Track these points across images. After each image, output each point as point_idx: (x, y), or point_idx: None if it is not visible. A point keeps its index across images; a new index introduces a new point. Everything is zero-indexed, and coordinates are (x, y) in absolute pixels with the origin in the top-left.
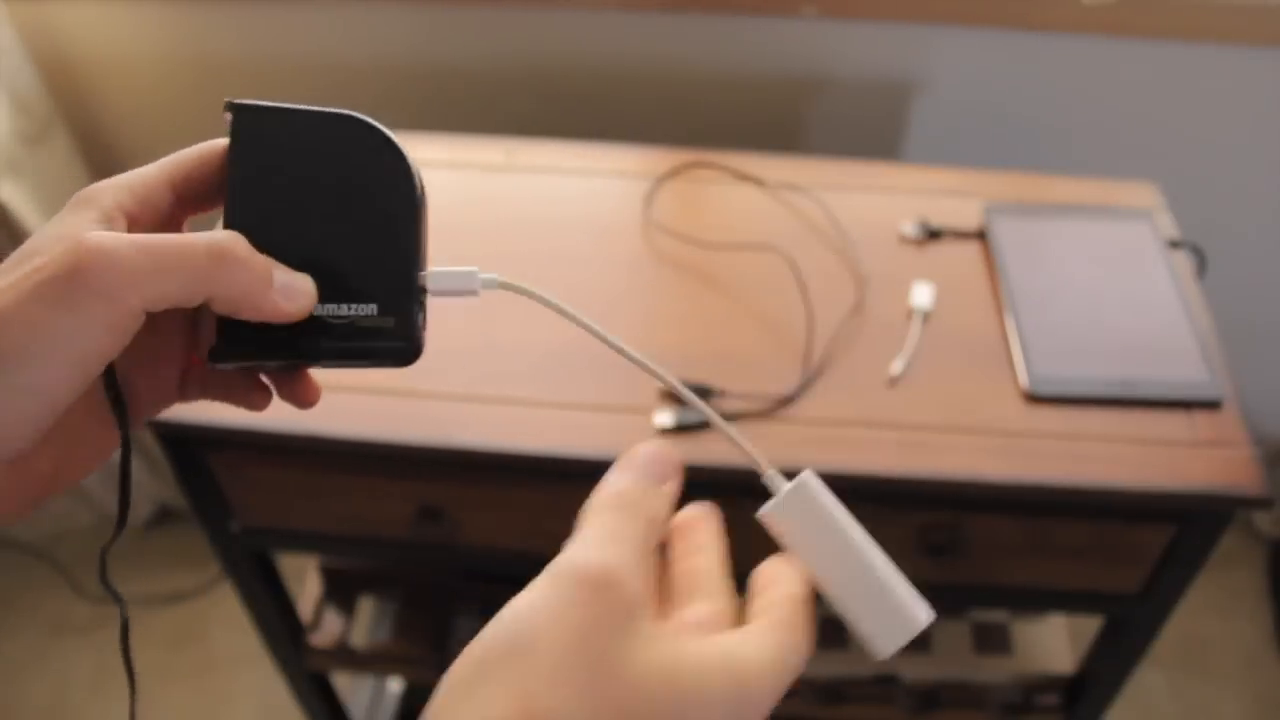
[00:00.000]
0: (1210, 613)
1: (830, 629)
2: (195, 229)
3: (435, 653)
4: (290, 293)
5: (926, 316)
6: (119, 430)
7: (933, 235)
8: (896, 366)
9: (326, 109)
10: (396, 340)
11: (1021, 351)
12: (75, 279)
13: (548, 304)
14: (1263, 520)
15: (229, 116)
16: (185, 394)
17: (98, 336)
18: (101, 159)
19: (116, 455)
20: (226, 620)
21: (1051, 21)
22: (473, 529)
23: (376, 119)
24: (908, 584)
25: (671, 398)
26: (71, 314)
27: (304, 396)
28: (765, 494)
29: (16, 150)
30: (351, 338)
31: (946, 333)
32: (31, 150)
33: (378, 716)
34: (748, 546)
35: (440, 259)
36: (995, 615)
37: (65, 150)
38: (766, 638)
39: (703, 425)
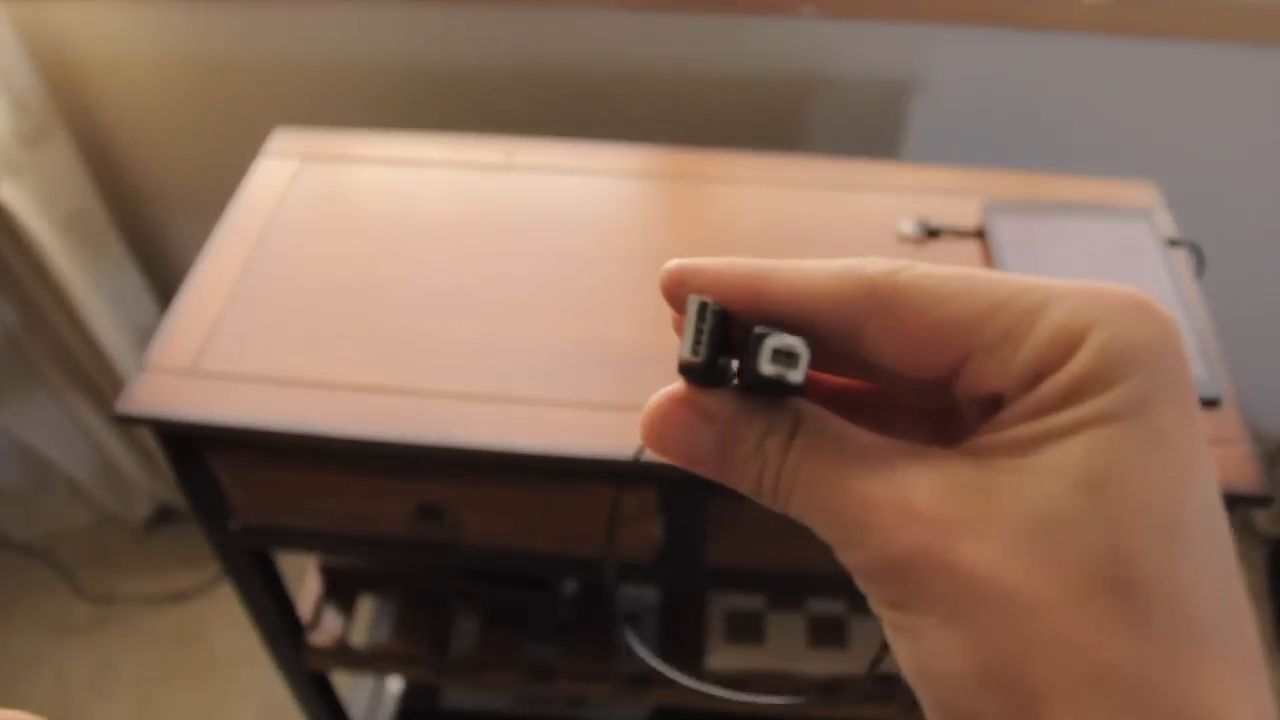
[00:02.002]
0: None
1: (829, 629)
2: None
3: (435, 653)
4: None
5: None
6: None
7: (932, 234)
8: None
9: None
10: None
11: None
12: None
13: None
14: (1261, 519)
15: None
16: None
17: None
18: (101, 159)
19: (121, 456)
20: (226, 620)
21: (1051, 21)
22: (473, 529)
23: (375, 118)
24: None
25: None
26: None
27: None
28: None
29: (16, 150)
30: None
31: None
32: (31, 150)
33: (378, 716)
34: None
35: (440, 259)
36: None
37: (65, 150)
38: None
39: None
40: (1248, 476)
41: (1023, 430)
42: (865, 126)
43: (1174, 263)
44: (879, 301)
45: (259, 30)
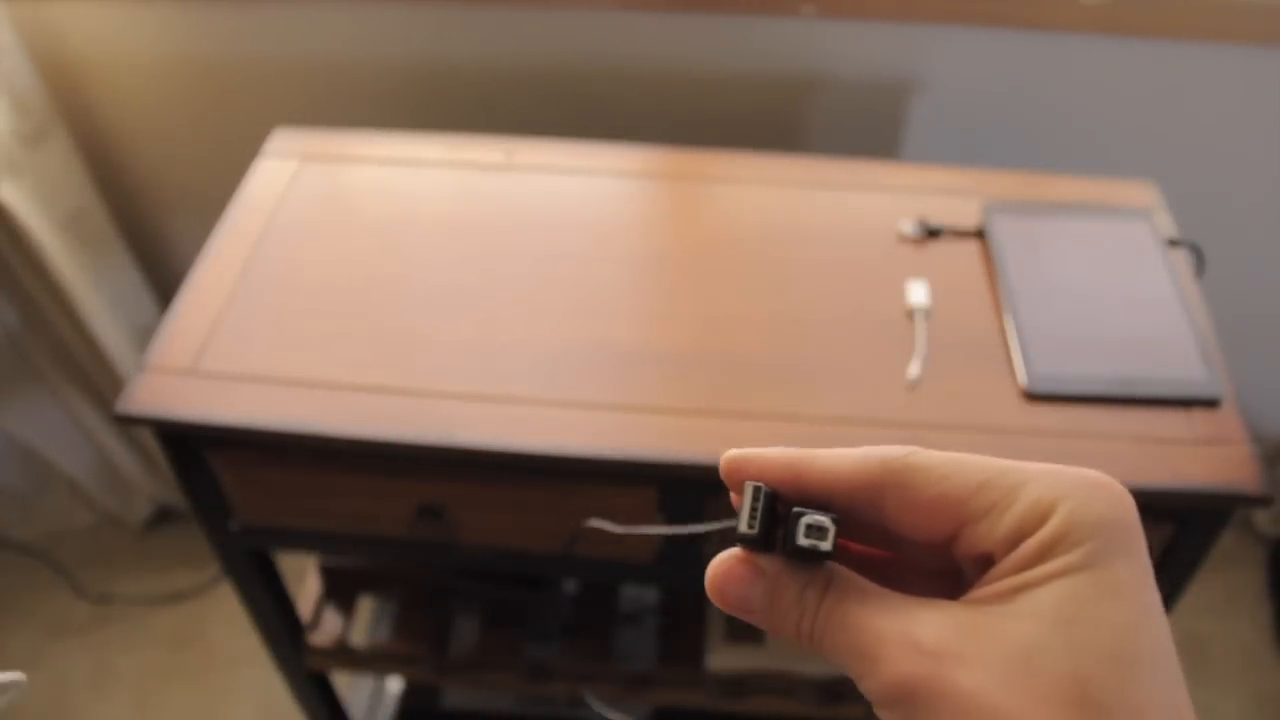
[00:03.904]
0: (1209, 612)
1: None
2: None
3: (435, 652)
4: None
5: (926, 315)
6: None
7: (932, 234)
8: (913, 370)
9: None
10: None
11: (1020, 350)
12: None
13: None
14: (1262, 519)
15: None
16: None
17: None
18: (101, 159)
19: (121, 456)
20: (226, 620)
21: (1050, 21)
22: (473, 529)
23: (375, 118)
24: None
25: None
26: None
27: None
28: None
29: (16, 150)
30: None
31: (945, 331)
32: (31, 150)
33: (377, 716)
34: None
35: (441, 259)
36: None
37: (65, 150)
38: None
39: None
40: (1248, 476)
41: (1007, 582)
42: (865, 126)
43: (1174, 263)
44: (893, 480)
45: (259, 30)
